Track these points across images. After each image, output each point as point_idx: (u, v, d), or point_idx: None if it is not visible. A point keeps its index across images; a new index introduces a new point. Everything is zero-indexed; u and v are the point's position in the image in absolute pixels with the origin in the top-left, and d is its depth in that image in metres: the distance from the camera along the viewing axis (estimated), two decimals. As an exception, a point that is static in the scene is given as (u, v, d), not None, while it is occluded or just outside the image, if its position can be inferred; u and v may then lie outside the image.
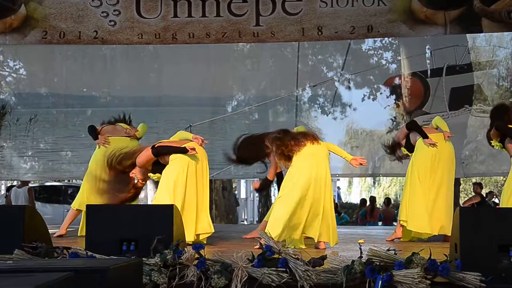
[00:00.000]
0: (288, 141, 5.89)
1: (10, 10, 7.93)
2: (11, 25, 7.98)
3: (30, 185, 10.98)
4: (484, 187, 14.94)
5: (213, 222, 7.41)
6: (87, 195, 6.61)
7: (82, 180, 6.61)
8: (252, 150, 6.39)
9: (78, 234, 6.52)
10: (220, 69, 9.46)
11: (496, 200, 12.48)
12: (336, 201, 16.65)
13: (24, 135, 7.22)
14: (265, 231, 4.85)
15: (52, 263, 3.52)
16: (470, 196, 12.91)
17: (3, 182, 15.63)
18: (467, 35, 8.84)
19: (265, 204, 17.87)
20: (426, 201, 6.55)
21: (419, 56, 9.27)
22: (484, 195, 12.15)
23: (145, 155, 5.84)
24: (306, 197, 5.74)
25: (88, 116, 8.34)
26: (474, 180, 13.87)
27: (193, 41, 8.18)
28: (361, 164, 6.02)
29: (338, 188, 26.57)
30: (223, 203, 15.73)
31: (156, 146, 5.87)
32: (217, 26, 8.03)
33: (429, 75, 9.14)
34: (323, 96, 9.80)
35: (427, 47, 9.32)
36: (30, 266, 3.14)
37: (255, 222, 18.13)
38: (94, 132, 6.76)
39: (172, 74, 9.50)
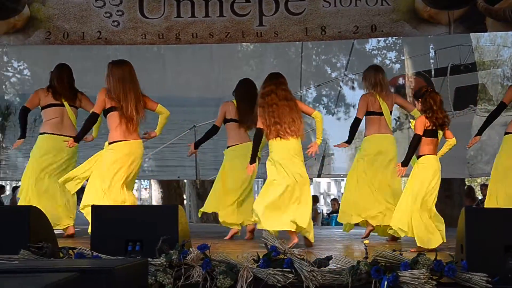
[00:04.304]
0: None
1: (14, 10, 7.91)
2: (15, 26, 7.97)
3: (34, 185, 10.99)
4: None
5: (213, 223, 7.43)
6: None
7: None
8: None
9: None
10: (223, 69, 9.46)
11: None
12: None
13: (28, 136, 7.18)
14: None
15: (58, 263, 3.52)
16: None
17: (8, 182, 15.64)
18: (471, 34, 8.81)
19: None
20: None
21: (423, 56, 9.26)
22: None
23: None
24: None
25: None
26: (479, 180, 13.84)
27: (196, 41, 8.16)
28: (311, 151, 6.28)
29: None
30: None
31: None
32: (220, 26, 8.02)
33: (433, 75, 9.13)
34: (327, 96, 9.80)
35: (430, 46, 9.31)
36: (36, 267, 3.14)
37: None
38: None
39: (176, 75, 9.49)
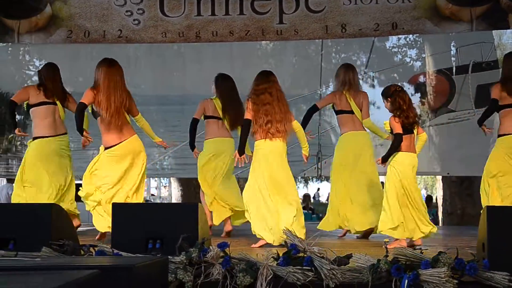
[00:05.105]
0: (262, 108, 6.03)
1: (36, 9, 7.99)
2: (36, 25, 8.05)
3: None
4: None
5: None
6: None
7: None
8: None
9: None
10: (243, 67, 9.46)
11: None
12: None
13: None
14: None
15: (79, 260, 3.55)
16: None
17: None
18: (493, 31, 8.73)
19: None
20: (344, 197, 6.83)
21: (444, 53, 9.19)
22: None
23: None
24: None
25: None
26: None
27: (216, 39, 8.19)
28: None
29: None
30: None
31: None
32: (241, 24, 8.03)
33: (454, 73, 9.06)
34: (346, 94, 9.75)
35: (452, 44, 9.24)
36: (57, 264, 3.17)
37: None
38: None
39: (196, 73, 9.51)
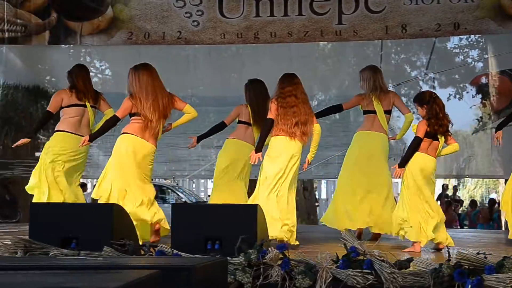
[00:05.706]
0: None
1: (98, 11, 8.13)
2: (98, 27, 8.19)
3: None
4: None
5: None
6: None
7: (165, 179, 6.66)
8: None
9: None
10: (301, 68, 9.42)
11: None
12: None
13: (110, 135, 7.28)
14: None
15: (139, 260, 3.57)
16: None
17: (89, 180, 16.03)
18: (561, 32, 8.49)
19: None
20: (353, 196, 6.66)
21: (507, 54, 8.97)
22: None
23: None
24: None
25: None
26: None
27: (275, 40, 8.18)
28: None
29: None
30: (304, 203, 15.68)
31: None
32: (299, 25, 8.00)
33: (518, 73, 8.85)
34: (406, 96, 9.62)
35: (516, 44, 9.02)
36: (119, 263, 3.20)
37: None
38: None
39: (254, 74, 9.50)
